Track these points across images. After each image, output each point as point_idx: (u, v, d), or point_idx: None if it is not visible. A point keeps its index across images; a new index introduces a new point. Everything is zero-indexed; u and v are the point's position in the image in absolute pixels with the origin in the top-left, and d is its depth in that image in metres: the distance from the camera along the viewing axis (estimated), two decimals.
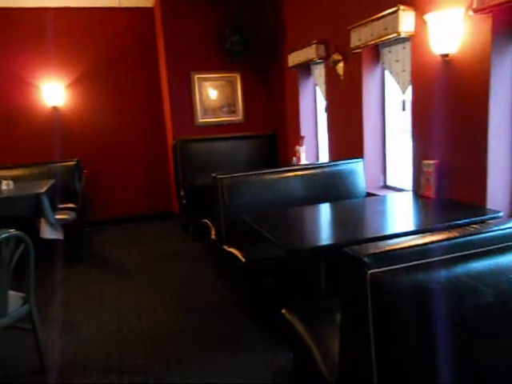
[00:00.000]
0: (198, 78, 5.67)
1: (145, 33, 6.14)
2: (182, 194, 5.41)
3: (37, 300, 2.69)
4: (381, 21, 3.22)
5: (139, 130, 6.35)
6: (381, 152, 3.94)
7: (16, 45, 5.75)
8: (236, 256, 3.16)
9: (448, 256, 1.34)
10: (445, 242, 1.39)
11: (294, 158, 4.94)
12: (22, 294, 2.61)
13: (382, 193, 3.76)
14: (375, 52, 3.74)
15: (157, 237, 5.63)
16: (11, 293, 2.52)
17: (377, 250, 1.33)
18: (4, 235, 2.33)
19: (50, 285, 4.16)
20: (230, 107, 5.88)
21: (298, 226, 2.87)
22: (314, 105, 5.11)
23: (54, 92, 5.89)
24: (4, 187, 4.77)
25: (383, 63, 3.72)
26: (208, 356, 2.76)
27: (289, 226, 2.74)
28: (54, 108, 5.95)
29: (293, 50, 4.82)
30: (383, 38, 3.24)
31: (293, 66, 4.91)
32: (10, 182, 4.87)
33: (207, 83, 5.73)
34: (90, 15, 5.91)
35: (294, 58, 4.81)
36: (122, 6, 5.95)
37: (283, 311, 2.16)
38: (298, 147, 4.90)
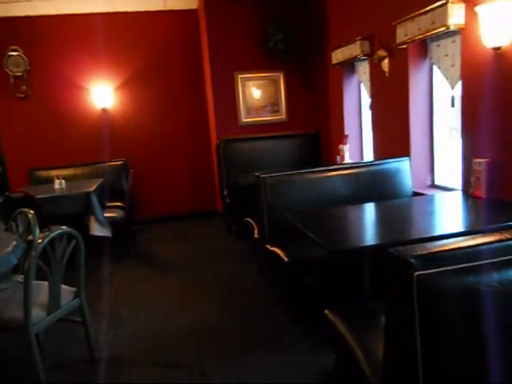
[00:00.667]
0: (241, 78, 5.70)
1: (189, 34, 6.25)
2: (225, 193, 5.46)
3: (86, 294, 2.79)
4: (428, 14, 3.12)
5: (184, 130, 6.47)
6: (428, 150, 3.82)
7: (68, 50, 6.00)
8: (279, 255, 3.16)
9: (500, 259, 1.28)
10: (496, 244, 1.33)
11: (338, 157, 4.87)
12: (74, 289, 2.72)
13: (429, 192, 3.65)
14: (422, 47, 3.62)
15: (201, 235, 5.72)
16: (63, 287, 2.63)
17: (424, 252, 1.29)
18: (57, 232, 2.44)
19: (99, 280, 4.32)
20: (273, 106, 5.88)
21: (342, 225, 2.83)
22: (358, 102, 5.02)
23: (103, 94, 6.11)
24: (57, 186, 5.00)
25: (431, 58, 3.60)
26: (250, 354, 2.77)
27: (332, 226, 2.71)
28: (103, 110, 6.17)
29: (337, 47, 4.75)
30: (431, 33, 3.14)
31: (337, 64, 4.84)
32: (63, 181, 5.10)
33: (250, 83, 5.76)
34: (137, 19, 6.08)
35: (338, 55, 4.75)
36: (168, 9, 6.09)
37: (326, 312, 2.13)
38: (341, 146, 4.83)
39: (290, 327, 3.07)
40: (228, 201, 5.35)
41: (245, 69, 5.69)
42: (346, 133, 4.98)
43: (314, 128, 5.79)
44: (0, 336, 3.08)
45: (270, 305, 3.47)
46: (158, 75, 6.27)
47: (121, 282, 4.25)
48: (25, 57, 5.91)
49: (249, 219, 4.11)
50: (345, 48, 4.53)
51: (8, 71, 5.90)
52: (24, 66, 5.92)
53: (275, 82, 5.83)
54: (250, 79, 5.75)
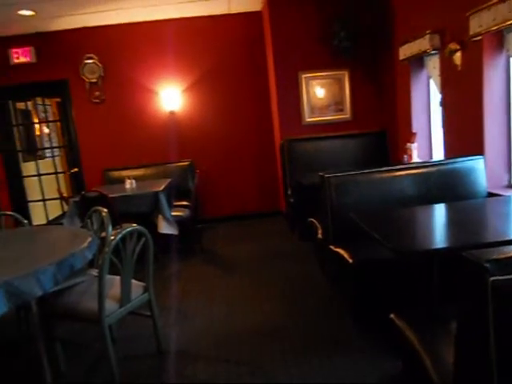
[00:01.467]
0: (305, 77, 5.67)
1: (253, 36, 6.32)
2: (289, 192, 5.46)
3: (154, 290, 2.91)
4: (506, 3, 2.93)
5: (248, 131, 6.55)
6: (505, 148, 3.58)
7: (138, 55, 6.29)
8: (343, 256, 3.11)
9: None
10: None
11: (405, 156, 4.70)
12: (143, 284, 2.84)
13: (506, 193, 3.42)
14: (498, 38, 3.40)
15: (264, 235, 5.75)
16: (134, 282, 2.76)
17: (500, 256, 1.21)
18: (128, 230, 2.56)
19: (166, 276, 4.48)
20: (338, 105, 5.79)
21: (410, 227, 2.73)
22: (427, 99, 4.81)
23: (171, 97, 6.33)
24: (128, 186, 5.26)
25: (508, 50, 3.37)
26: (312, 355, 2.75)
27: (400, 227, 2.62)
28: (171, 112, 6.40)
29: (404, 42, 4.59)
30: (508, 22, 2.94)
31: (404, 59, 4.68)
32: (133, 181, 5.35)
33: (314, 82, 5.71)
34: (203, 24, 6.25)
35: (406, 51, 4.58)
36: (232, 12, 6.19)
37: (392, 316, 2.07)
38: (409, 144, 4.66)
39: (353, 329, 3.01)
40: (292, 201, 5.34)
41: (309, 68, 5.66)
42: (414, 131, 4.79)
43: (379, 127, 5.63)
44: (77, 326, 3.29)
45: (333, 306, 3.43)
46: (223, 77, 6.40)
47: (186, 279, 4.38)
48: (99, 64, 6.27)
49: (312, 219, 4.08)
50: (413, 43, 4.36)
51: (84, 78, 6.29)
52: (99, 72, 6.28)
53: (339, 81, 5.74)
54: (313, 78, 5.70)
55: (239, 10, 6.15)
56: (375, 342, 2.79)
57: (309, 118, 5.76)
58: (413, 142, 4.65)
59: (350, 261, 3.00)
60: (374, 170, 3.47)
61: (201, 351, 2.94)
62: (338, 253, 3.20)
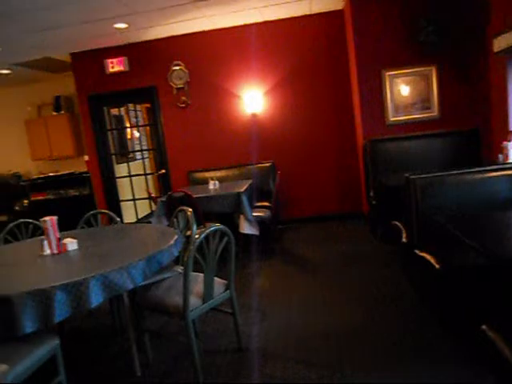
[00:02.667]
0: (388, 75, 5.49)
1: (334, 35, 6.24)
2: (371, 194, 5.32)
3: (235, 288, 2.98)
4: None
5: (329, 132, 6.48)
6: None
7: (222, 60, 6.49)
8: (429, 261, 2.96)
9: None
10: None
11: (501, 156, 4.37)
12: (225, 281, 2.93)
13: None
14: None
15: (345, 237, 5.65)
16: (216, 279, 2.85)
17: None
18: (212, 229, 2.65)
19: (246, 275, 4.57)
20: (424, 103, 5.52)
21: (508, 232, 2.53)
22: None
23: (253, 100, 6.45)
24: (211, 187, 5.44)
25: None
26: (394, 361, 2.65)
27: (495, 232, 2.44)
28: (253, 115, 6.51)
29: (499, 33, 4.27)
30: None
31: (500, 51, 4.35)
32: (216, 182, 5.53)
33: (398, 80, 5.50)
34: (284, 26, 6.29)
35: (501, 42, 4.26)
36: (313, 12, 6.16)
37: (484, 327, 1.93)
38: (505, 143, 4.32)
39: (439, 338, 2.85)
40: (374, 202, 5.19)
41: (392, 66, 5.47)
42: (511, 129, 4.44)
43: (470, 125, 5.28)
44: (163, 319, 3.47)
45: (416, 312, 3.27)
46: (304, 78, 6.39)
47: (266, 279, 4.44)
48: (186, 70, 6.56)
49: (396, 222, 3.93)
50: (509, 33, 4.04)
51: (172, 84, 6.61)
52: (185, 78, 6.57)
53: (426, 77, 5.47)
54: (398, 76, 5.49)
55: (320, 9, 6.10)
56: (463, 353, 2.63)
57: (393, 118, 5.56)
58: (510, 141, 4.31)
59: (437, 266, 2.85)
60: (464, 170, 3.26)
61: (280, 351, 2.96)
62: (423, 257, 3.06)
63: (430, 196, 3.18)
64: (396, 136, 5.36)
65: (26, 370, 2.16)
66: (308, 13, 6.18)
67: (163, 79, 6.64)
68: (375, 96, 5.55)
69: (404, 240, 3.59)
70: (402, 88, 5.52)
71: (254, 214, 5.08)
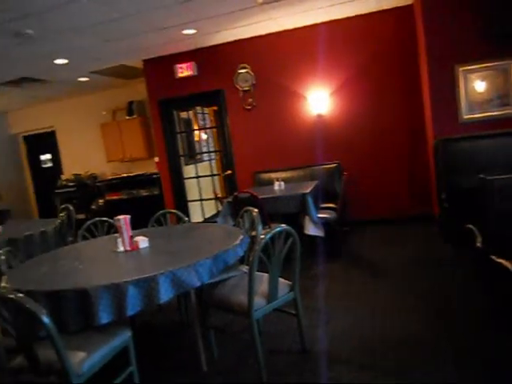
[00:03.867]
0: (462, 70, 5.20)
1: (403, 31, 6.03)
2: (443, 196, 5.07)
3: (299, 289, 2.97)
4: None
5: (397, 131, 6.27)
6: None
7: (287, 62, 6.50)
8: (507, 268, 2.77)
9: None
10: None
11: None
12: (289, 282, 2.93)
13: None
14: None
15: (413, 240, 5.44)
16: (280, 280, 2.86)
17: None
18: (278, 229, 2.66)
19: (311, 277, 4.53)
20: (503, 99, 5.17)
21: None
22: None
23: (318, 101, 6.40)
24: (276, 187, 5.46)
25: None
26: (465, 372, 2.51)
27: None
28: (319, 115, 6.46)
29: None
30: None
31: None
32: (282, 183, 5.54)
33: (473, 75, 5.20)
34: (351, 24, 6.19)
35: None
36: (382, 8, 6.00)
37: None
38: None
39: None
40: (446, 205, 4.95)
41: (466, 60, 5.18)
42: None
43: None
44: (227, 317, 3.53)
45: (491, 324, 3.08)
46: (371, 76, 6.24)
47: (331, 281, 4.38)
48: (252, 73, 6.65)
49: (470, 225, 3.72)
50: None
51: (238, 87, 6.73)
52: (251, 80, 6.66)
53: (505, 72, 5.12)
54: (472, 71, 5.19)
55: (389, 6, 5.93)
56: None
57: (466, 115, 5.27)
58: None
59: None
60: None
61: (344, 354, 2.91)
62: (500, 264, 2.87)
63: (508, 198, 2.98)
64: (471, 135, 5.08)
65: (101, 359, 2.29)
66: (376, 9, 6.02)
67: (230, 82, 6.78)
68: (447, 93, 5.29)
69: (478, 245, 3.39)
70: (476, 84, 5.22)
71: (320, 215, 5.03)
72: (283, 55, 6.52)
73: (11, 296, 2.01)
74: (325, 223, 5.01)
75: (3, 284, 2.58)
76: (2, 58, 5.70)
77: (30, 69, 6.49)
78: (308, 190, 4.91)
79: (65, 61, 6.26)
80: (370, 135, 6.35)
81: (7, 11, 4.18)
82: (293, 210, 4.88)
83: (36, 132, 10.19)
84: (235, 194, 5.04)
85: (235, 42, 6.63)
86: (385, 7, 5.97)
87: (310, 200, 4.79)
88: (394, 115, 6.25)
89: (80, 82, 7.82)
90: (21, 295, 2.03)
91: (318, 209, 5.20)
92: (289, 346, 3.11)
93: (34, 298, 2.11)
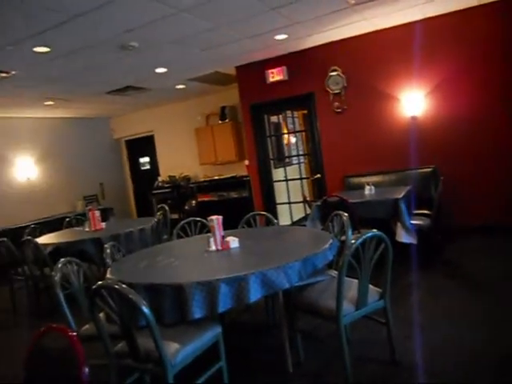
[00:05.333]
0: None
1: (506, 26, 5.56)
2: None
3: (390, 297, 2.86)
4: None
5: (502, 133, 5.79)
6: None
7: (379, 63, 6.32)
8: None
9: None
10: None
11: None
12: (379, 290, 2.84)
13: None
14: None
15: None
16: (370, 287, 2.79)
17: None
18: (369, 235, 2.60)
19: (402, 286, 4.34)
20: None
21: None
22: None
23: (413, 102, 6.14)
24: (367, 192, 5.34)
25: None
26: None
27: None
28: (413, 117, 6.19)
29: None
30: None
31: None
32: (373, 187, 5.40)
33: None
34: (447, 21, 5.86)
35: None
36: (481, 3, 5.60)
37: None
38: None
39: None
40: None
41: None
42: None
43: None
44: (314, 321, 3.51)
45: None
46: (472, 76, 5.84)
47: (424, 291, 4.16)
48: (342, 75, 6.56)
49: None
50: None
51: (329, 89, 6.68)
52: (342, 83, 6.58)
53: None
54: None
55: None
56: None
57: None
58: None
59: None
60: None
61: (438, 369, 2.75)
62: None
63: None
64: None
65: (193, 351, 2.41)
66: (475, 4, 5.63)
67: (320, 85, 6.75)
68: None
69: None
70: None
71: (412, 221, 4.82)
72: (375, 56, 6.35)
73: (116, 286, 2.19)
74: (418, 230, 4.79)
75: (108, 275, 2.82)
76: (109, 69, 6.22)
77: (133, 78, 7.01)
78: (401, 195, 4.73)
79: (164, 69, 6.68)
80: (470, 138, 5.94)
81: (114, 27, 4.56)
82: (384, 215, 4.73)
83: (136, 136, 10.97)
84: (324, 197, 5.01)
85: (326, 44, 6.59)
86: (485, 1, 5.56)
87: (402, 205, 4.62)
88: (496, 117, 5.78)
89: (177, 89, 8.28)
90: (124, 286, 2.20)
91: (411, 215, 4.99)
92: (377, 355, 3.02)
93: (135, 290, 2.27)
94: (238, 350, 3.35)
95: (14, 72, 5.66)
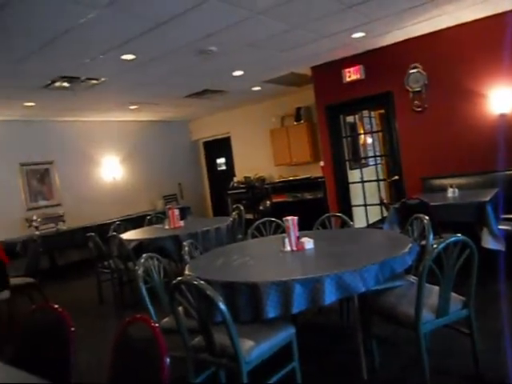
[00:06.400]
0: None
1: None
2: None
3: (474, 307, 2.70)
4: None
5: None
6: None
7: (464, 58, 5.95)
8: None
9: None
10: None
11: None
12: (462, 298, 2.68)
13: None
14: None
15: None
16: (452, 294, 2.64)
17: None
18: (453, 239, 2.46)
19: (488, 295, 4.06)
20: None
21: None
22: None
23: (502, 98, 5.72)
24: (450, 194, 5.07)
25: None
26: None
27: None
28: (502, 115, 5.77)
29: None
30: None
31: None
32: (456, 190, 5.12)
33: None
34: None
35: None
36: None
37: None
38: None
39: None
40: None
41: None
42: None
43: None
44: (391, 327, 3.39)
45: None
46: None
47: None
48: (423, 72, 6.28)
49: None
50: None
51: (408, 88, 6.42)
52: (422, 80, 6.30)
53: None
54: None
55: None
56: None
57: None
58: None
59: None
60: None
61: None
62: None
63: None
64: None
65: (267, 350, 2.43)
66: None
67: (399, 84, 6.51)
68: None
69: None
70: None
71: (500, 227, 4.50)
72: (459, 51, 5.99)
73: (195, 282, 2.27)
74: (506, 236, 4.46)
75: (187, 272, 2.93)
76: (189, 74, 6.47)
77: (211, 81, 7.23)
78: (487, 198, 4.44)
79: (241, 72, 6.81)
80: None
81: (194, 33, 4.73)
82: (468, 219, 4.46)
83: (213, 138, 11.30)
84: (403, 200, 4.83)
85: (405, 41, 6.34)
86: None
87: (489, 209, 4.32)
88: None
89: (253, 91, 8.40)
90: (202, 282, 2.27)
91: (499, 220, 4.66)
92: (459, 367, 2.85)
93: (212, 287, 2.34)
94: (310, 352, 3.33)
95: (103, 79, 6.07)
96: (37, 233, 7.52)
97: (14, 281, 5.05)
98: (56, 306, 2.01)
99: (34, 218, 7.73)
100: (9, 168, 7.97)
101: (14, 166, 8.06)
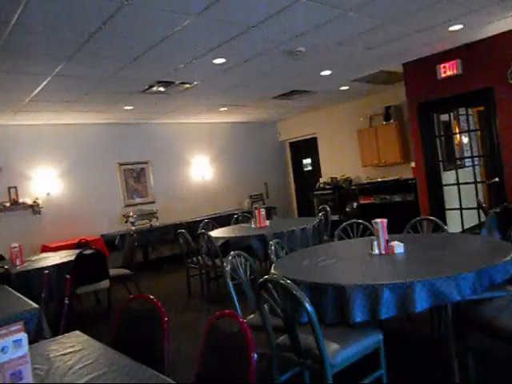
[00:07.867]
0: None
1: None
2: None
3: None
4: None
5: None
6: None
7: None
8: None
9: None
10: None
11: None
12: None
13: None
14: None
15: None
16: None
17: None
18: None
19: None
20: None
21: None
22: None
23: None
24: None
25: None
26: None
27: None
28: None
29: None
30: None
31: None
32: None
33: None
34: None
35: None
36: None
37: None
38: None
39: None
40: None
41: None
42: None
43: None
44: (488, 340, 3.15)
45: None
46: None
47: None
48: None
49: None
50: None
51: (511, 82, 5.92)
52: None
53: None
54: None
55: None
56: None
57: None
58: None
59: None
60: None
61: None
62: None
63: None
64: None
65: (353, 355, 2.38)
66: None
67: (501, 78, 6.01)
68: None
69: None
70: None
71: None
72: None
73: (282, 281, 2.29)
74: None
75: (272, 271, 2.96)
76: (277, 75, 6.53)
77: (298, 82, 7.23)
78: None
79: (329, 72, 6.73)
80: None
81: (283, 35, 4.76)
82: None
83: (300, 138, 11.30)
84: (505, 204, 4.46)
85: (507, 32, 5.83)
86: None
87: None
88: None
89: (341, 90, 8.27)
90: (289, 282, 2.29)
91: None
92: None
93: (298, 287, 2.34)
94: (397, 361, 3.20)
95: (195, 82, 6.35)
96: (132, 228, 8.06)
97: (112, 271, 5.48)
98: (151, 297, 2.14)
99: (131, 214, 8.30)
100: (109, 167, 8.63)
101: (114, 166, 8.70)
